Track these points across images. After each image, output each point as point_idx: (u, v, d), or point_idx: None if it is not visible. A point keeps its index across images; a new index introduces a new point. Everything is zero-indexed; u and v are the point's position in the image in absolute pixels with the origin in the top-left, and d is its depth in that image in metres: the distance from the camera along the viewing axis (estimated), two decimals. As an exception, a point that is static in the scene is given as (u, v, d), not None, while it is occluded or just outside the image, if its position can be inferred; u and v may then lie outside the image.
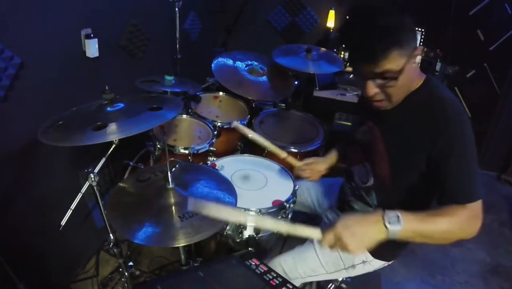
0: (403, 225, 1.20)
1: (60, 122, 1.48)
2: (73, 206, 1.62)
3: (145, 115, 1.48)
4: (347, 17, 1.36)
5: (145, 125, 1.41)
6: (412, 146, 1.37)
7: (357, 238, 1.21)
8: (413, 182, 1.44)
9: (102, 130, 1.37)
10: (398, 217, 1.20)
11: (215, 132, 2.42)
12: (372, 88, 1.34)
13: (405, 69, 1.27)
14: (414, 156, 1.38)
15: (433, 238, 1.26)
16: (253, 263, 1.41)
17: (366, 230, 1.23)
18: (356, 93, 3.48)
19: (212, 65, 2.73)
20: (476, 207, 1.26)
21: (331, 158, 1.97)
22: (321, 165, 1.92)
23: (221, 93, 2.88)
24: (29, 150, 1.89)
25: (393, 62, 1.25)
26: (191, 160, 2.22)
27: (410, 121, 1.39)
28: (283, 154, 1.91)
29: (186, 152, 2.22)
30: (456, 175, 1.28)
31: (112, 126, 1.39)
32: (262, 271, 1.36)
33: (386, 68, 1.26)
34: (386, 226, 1.20)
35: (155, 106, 1.55)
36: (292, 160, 1.92)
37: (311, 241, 1.79)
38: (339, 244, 1.22)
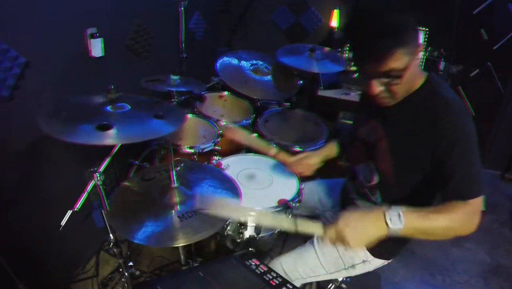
0: (404, 223, 1.23)
1: (64, 114, 1.44)
2: (78, 206, 1.62)
3: (149, 122, 1.44)
4: (352, 13, 1.36)
5: (149, 134, 1.36)
6: (416, 145, 1.38)
7: (358, 233, 1.24)
8: (416, 180, 1.44)
9: (106, 132, 1.34)
10: (399, 215, 1.24)
11: (220, 131, 2.42)
12: (377, 87, 1.36)
13: (409, 66, 1.28)
14: (417, 155, 1.38)
15: (434, 234, 1.29)
16: (253, 263, 1.41)
17: (367, 226, 1.26)
18: (359, 92, 3.48)
19: (217, 64, 2.73)
20: (477, 202, 1.28)
21: (326, 151, 1.97)
22: (312, 158, 1.91)
23: (225, 92, 2.88)
24: (34, 149, 1.89)
25: (398, 61, 1.25)
26: (196, 159, 2.22)
27: (413, 120, 1.40)
28: (271, 151, 1.94)
29: (191, 151, 2.22)
30: (460, 171, 1.29)
31: (115, 131, 1.35)
32: (262, 271, 1.36)
33: (391, 67, 1.27)
34: (387, 224, 1.24)
35: (159, 114, 1.50)
36: (283, 156, 1.93)
37: (311, 241, 1.80)
38: (340, 239, 1.26)
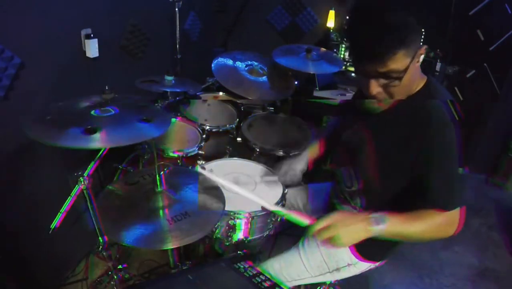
0: (386, 226, 1.29)
1: (48, 118, 1.43)
2: (63, 210, 1.61)
3: (137, 126, 1.42)
4: (353, 11, 1.30)
5: (135, 137, 1.33)
6: (401, 149, 1.37)
7: (349, 231, 1.29)
8: (400, 183, 1.44)
9: (93, 136, 1.32)
10: (383, 219, 1.29)
11: (204, 135, 2.42)
12: (375, 88, 1.33)
13: (409, 68, 1.26)
14: (402, 161, 1.38)
15: (410, 238, 1.37)
16: (242, 266, 1.42)
17: (356, 224, 1.30)
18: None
19: (212, 65, 2.73)
20: (453, 214, 1.33)
21: (309, 152, 1.95)
22: (296, 165, 1.90)
23: (220, 93, 2.88)
24: (29, 150, 1.90)
25: (398, 62, 1.23)
26: (180, 163, 2.23)
27: (402, 124, 1.39)
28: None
29: (176, 155, 2.23)
30: (438, 181, 1.32)
31: (102, 134, 1.34)
32: (251, 274, 1.37)
33: (391, 68, 1.24)
34: (371, 226, 1.28)
35: (145, 118, 1.49)
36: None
37: (297, 246, 1.79)
38: (329, 232, 1.28)
